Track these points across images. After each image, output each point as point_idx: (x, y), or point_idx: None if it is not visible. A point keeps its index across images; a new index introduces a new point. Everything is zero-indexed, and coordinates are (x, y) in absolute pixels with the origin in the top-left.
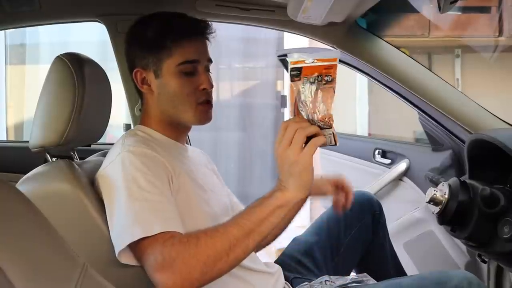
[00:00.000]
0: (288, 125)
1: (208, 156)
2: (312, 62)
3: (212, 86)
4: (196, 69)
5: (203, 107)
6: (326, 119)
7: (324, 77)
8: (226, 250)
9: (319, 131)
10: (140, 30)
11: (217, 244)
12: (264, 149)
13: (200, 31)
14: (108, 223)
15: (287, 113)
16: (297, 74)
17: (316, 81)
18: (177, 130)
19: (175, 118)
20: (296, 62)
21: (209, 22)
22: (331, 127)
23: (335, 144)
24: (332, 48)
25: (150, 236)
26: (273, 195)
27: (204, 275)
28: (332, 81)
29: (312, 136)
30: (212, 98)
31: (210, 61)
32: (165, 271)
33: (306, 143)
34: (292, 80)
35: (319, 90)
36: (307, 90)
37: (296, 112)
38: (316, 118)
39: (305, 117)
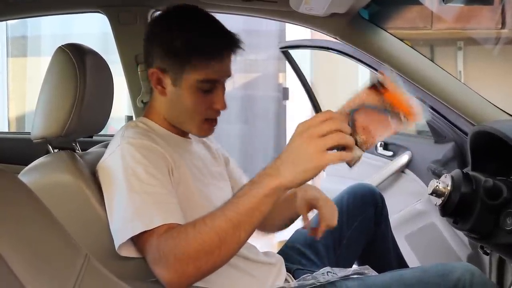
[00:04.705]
0: (331, 118)
1: (216, 144)
2: (403, 94)
3: (225, 107)
4: (214, 87)
5: (209, 124)
6: (368, 144)
7: (399, 114)
8: (217, 244)
9: (352, 146)
10: (168, 34)
11: (205, 239)
12: (266, 142)
13: (231, 49)
14: (108, 216)
15: (289, 105)
16: (378, 87)
17: (390, 109)
18: (180, 129)
19: (178, 125)
20: (387, 81)
21: (240, 37)
22: (362, 152)
23: (350, 166)
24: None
25: (150, 230)
26: (262, 182)
27: (199, 269)
28: (400, 123)
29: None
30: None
31: (230, 76)
32: (162, 267)
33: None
34: (370, 88)
35: (386, 117)
36: (376, 107)
37: (345, 111)
38: (361, 134)
39: (349, 123)
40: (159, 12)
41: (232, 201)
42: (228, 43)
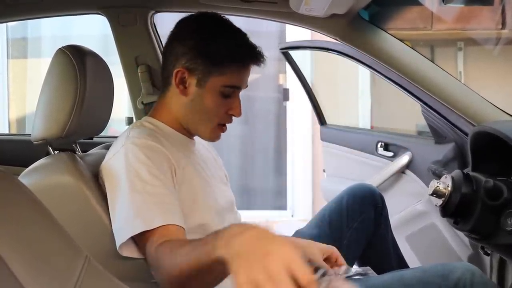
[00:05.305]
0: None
1: (214, 150)
2: None
3: (241, 114)
4: (234, 93)
5: (220, 129)
6: None
7: None
8: (180, 280)
9: None
10: (202, 37)
11: (173, 270)
12: (266, 142)
13: (258, 61)
14: (110, 215)
15: (289, 106)
16: None
17: None
18: (187, 130)
19: (191, 127)
20: None
21: (261, 50)
22: None
23: None
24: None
25: (150, 230)
26: (213, 248)
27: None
28: None
29: None
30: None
31: (247, 86)
32: (156, 272)
33: None
34: None
35: None
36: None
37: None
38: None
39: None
40: (186, 16)
41: (194, 248)
42: (256, 54)
